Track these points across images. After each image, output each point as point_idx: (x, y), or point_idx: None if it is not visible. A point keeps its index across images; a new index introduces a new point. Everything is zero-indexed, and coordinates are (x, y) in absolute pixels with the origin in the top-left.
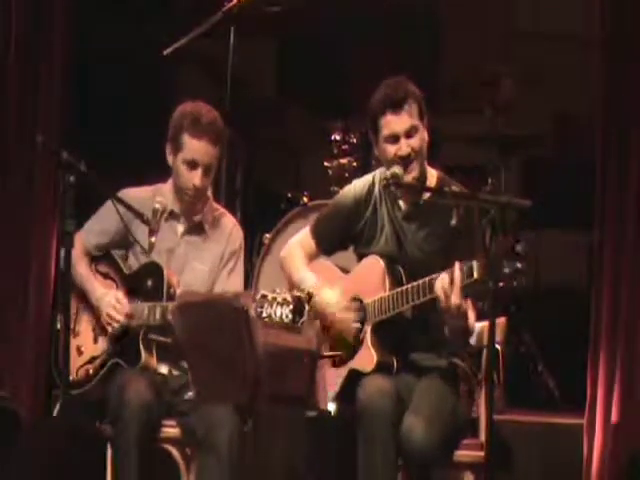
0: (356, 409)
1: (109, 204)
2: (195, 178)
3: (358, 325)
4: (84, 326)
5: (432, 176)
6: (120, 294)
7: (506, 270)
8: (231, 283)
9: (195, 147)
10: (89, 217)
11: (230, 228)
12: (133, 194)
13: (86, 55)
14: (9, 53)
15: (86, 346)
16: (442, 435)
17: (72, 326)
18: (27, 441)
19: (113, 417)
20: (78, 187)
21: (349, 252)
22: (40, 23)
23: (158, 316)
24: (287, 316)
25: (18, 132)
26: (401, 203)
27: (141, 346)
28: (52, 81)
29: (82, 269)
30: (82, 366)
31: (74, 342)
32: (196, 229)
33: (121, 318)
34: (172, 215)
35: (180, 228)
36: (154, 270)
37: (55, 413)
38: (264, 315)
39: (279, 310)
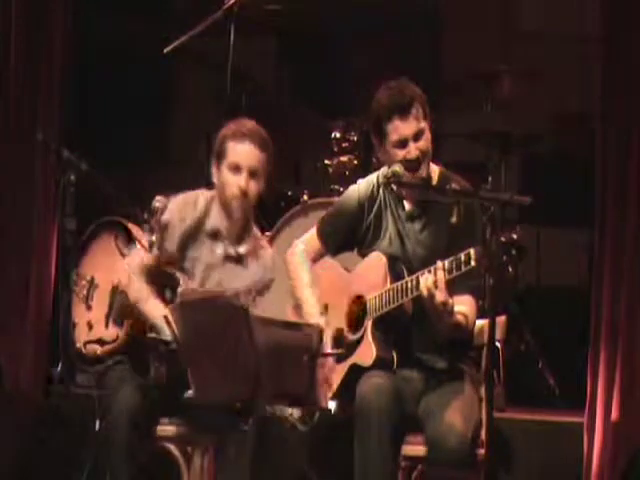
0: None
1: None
2: (240, 180)
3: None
4: (97, 307)
5: (434, 172)
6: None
7: (504, 257)
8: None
9: (238, 150)
10: (88, 215)
11: (269, 261)
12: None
13: (86, 55)
14: (9, 53)
15: (97, 325)
16: (471, 436)
17: (84, 294)
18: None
19: (103, 421)
20: (78, 185)
21: (353, 253)
22: (40, 23)
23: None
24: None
25: (18, 131)
26: (405, 203)
27: (151, 363)
28: (52, 81)
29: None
30: (90, 342)
31: (85, 315)
32: (238, 259)
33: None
34: (216, 236)
35: (219, 250)
36: (171, 280)
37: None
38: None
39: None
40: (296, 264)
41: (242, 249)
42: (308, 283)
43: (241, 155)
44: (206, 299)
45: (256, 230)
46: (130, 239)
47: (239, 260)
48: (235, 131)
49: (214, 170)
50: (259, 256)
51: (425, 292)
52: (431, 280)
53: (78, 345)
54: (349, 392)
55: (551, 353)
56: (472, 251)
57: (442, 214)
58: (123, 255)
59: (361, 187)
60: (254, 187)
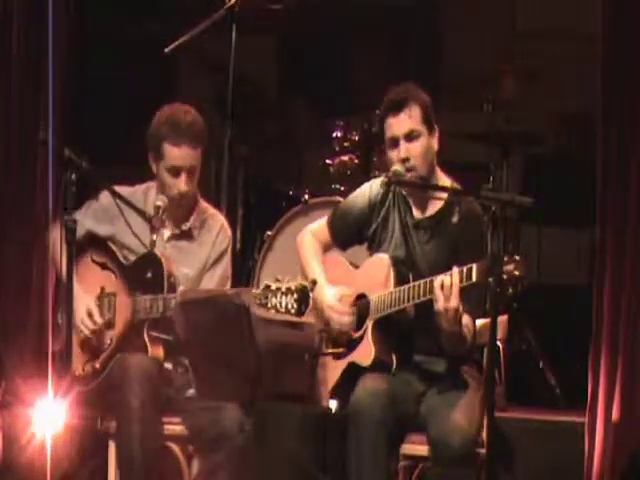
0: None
1: (102, 201)
2: (180, 184)
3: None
4: None
5: (443, 184)
6: (92, 306)
7: (504, 277)
8: (217, 286)
9: (176, 154)
10: None
11: (217, 230)
12: (125, 192)
13: (86, 55)
14: (10, 52)
15: (88, 342)
16: (475, 437)
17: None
18: None
19: (116, 386)
20: (79, 184)
21: (362, 248)
22: (40, 23)
23: (161, 308)
24: (292, 306)
25: (19, 130)
26: (414, 211)
27: (146, 339)
28: (53, 80)
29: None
30: (87, 361)
31: (76, 339)
32: (184, 235)
33: (87, 333)
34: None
35: (166, 233)
36: (153, 261)
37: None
38: (269, 306)
39: (284, 300)
40: (305, 247)
41: (186, 225)
42: (316, 262)
43: (179, 160)
44: (208, 298)
45: (203, 203)
46: (107, 249)
47: (187, 237)
48: (171, 130)
49: (151, 161)
50: (207, 226)
51: (439, 293)
52: (448, 281)
53: (78, 373)
54: (346, 389)
55: (552, 352)
56: (475, 267)
57: (448, 230)
58: (99, 263)
59: (373, 187)
60: (193, 185)
